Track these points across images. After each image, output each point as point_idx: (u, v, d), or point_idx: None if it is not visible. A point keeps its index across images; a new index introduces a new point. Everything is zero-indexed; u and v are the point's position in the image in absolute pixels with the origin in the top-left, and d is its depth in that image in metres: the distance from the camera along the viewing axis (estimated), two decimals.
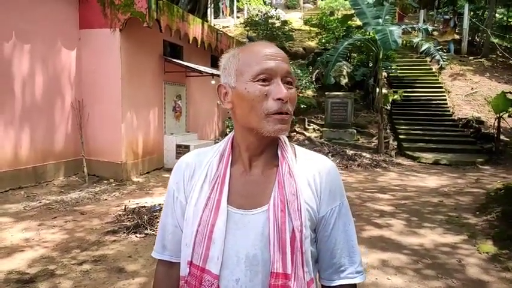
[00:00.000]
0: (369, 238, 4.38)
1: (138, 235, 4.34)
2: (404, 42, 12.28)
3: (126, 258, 3.76)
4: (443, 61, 10.35)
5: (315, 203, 0.97)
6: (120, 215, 5.03)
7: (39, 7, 6.31)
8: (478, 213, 5.22)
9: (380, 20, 9.85)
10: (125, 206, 5.30)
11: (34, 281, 3.27)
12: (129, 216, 4.86)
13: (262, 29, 18.11)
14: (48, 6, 6.48)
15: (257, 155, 0.98)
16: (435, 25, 22.26)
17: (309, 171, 0.98)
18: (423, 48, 10.01)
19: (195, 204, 0.96)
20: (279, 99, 0.89)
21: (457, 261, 3.77)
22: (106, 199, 5.98)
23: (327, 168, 1.01)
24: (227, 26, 22.78)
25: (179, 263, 1.02)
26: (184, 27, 7.77)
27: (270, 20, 18.68)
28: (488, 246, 4.04)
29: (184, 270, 0.96)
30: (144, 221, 4.59)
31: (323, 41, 16.51)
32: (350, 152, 9.66)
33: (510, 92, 14.92)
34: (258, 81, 0.91)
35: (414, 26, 11.04)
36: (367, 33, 9.82)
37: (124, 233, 4.42)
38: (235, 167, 1.00)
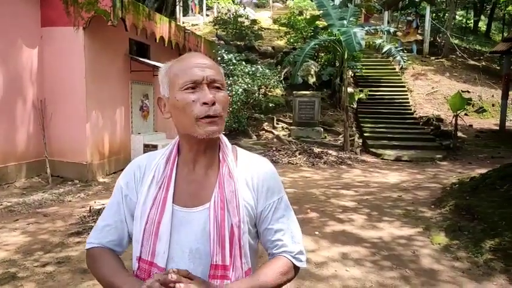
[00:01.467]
0: (332, 233, 4.56)
1: None
2: (368, 43, 12.66)
3: None
4: (404, 62, 10.78)
5: (253, 200, 1.07)
6: (85, 216, 4.98)
7: None
8: (433, 206, 5.52)
9: (345, 22, 10.14)
10: (90, 207, 5.24)
11: None
12: (94, 217, 4.82)
13: (232, 28, 18.15)
14: (7, 4, 6.28)
15: (199, 157, 1.07)
16: (399, 26, 23.06)
17: (247, 172, 1.09)
18: (385, 49, 10.39)
19: (143, 204, 1.04)
20: (205, 103, 0.98)
21: (411, 252, 4.00)
22: (70, 200, 5.89)
23: (264, 169, 1.12)
24: (196, 24, 22.59)
25: (113, 250, 1.12)
26: (150, 26, 7.71)
27: (239, 19, 18.75)
28: (441, 238, 4.30)
29: (134, 265, 1.04)
30: None
31: (291, 40, 16.74)
32: (317, 150, 9.91)
33: (468, 91, 15.76)
34: (185, 89, 1.00)
35: (377, 27, 11.42)
36: (334, 34, 10.08)
37: (89, 234, 4.38)
38: (180, 168, 1.08)
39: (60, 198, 5.94)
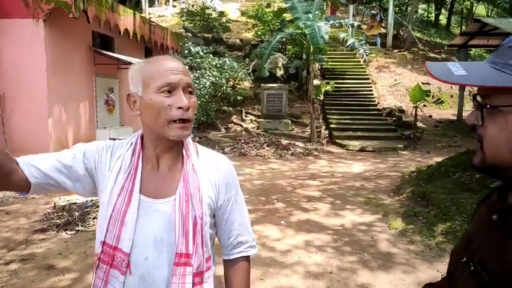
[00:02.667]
0: (297, 222, 4.73)
1: (68, 232, 4.30)
2: (333, 36, 12.91)
3: (56, 255, 3.74)
4: (367, 55, 11.11)
5: (214, 194, 1.17)
6: (49, 213, 4.91)
7: None
8: (392, 194, 5.82)
9: (310, 15, 10.31)
10: (55, 203, 5.17)
11: None
12: (59, 214, 4.77)
13: (199, 20, 17.97)
14: None
15: (163, 154, 1.15)
16: (364, 19, 23.60)
17: (209, 168, 1.18)
18: (349, 42, 10.66)
19: (110, 192, 1.10)
20: (180, 107, 1.06)
21: (370, 237, 4.23)
22: (34, 197, 5.75)
23: (224, 166, 1.22)
24: (163, 16, 22.18)
25: (25, 173, 1.06)
26: (114, 18, 7.58)
27: (207, 11, 18.58)
28: (398, 223, 4.57)
29: (97, 249, 1.11)
30: (75, 217, 4.55)
31: (259, 33, 16.77)
32: (284, 142, 10.09)
33: (428, 83, 16.42)
34: (162, 92, 1.05)
35: (341, 21, 11.67)
36: (299, 28, 10.24)
37: (54, 230, 4.35)
38: (145, 162, 1.15)
39: (10, 189, 5.79)
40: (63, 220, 4.55)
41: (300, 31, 10.04)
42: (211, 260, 1.16)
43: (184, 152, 1.16)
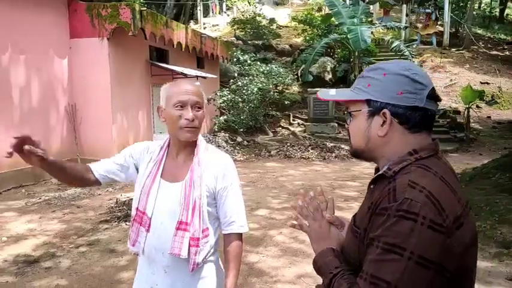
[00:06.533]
0: None
1: (127, 223, 4.96)
2: (378, 39, 12.84)
3: (117, 241, 4.38)
4: (412, 57, 10.96)
5: (213, 182, 1.59)
6: (112, 207, 5.64)
7: (32, 20, 6.87)
8: None
9: (355, 20, 10.45)
10: (117, 199, 5.91)
11: (38, 261, 3.89)
12: (120, 208, 5.48)
13: (249, 28, 18.64)
14: (40, 19, 7.05)
15: (180, 151, 1.61)
16: (420, 18, 22.87)
17: (213, 162, 1.61)
18: (393, 45, 10.62)
19: (143, 175, 1.60)
20: (186, 119, 1.52)
21: None
22: (100, 194, 6.59)
23: (223, 161, 1.65)
24: (217, 25, 23.20)
25: (94, 175, 1.60)
26: (168, 33, 8.35)
27: (257, 18, 19.21)
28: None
29: (133, 212, 1.60)
30: None
31: (307, 38, 17.01)
32: (330, 145, 10.29)
33: (487, 83, 15.64)
34: (176, 107, 1.53)
35: (387, 24, 11.62)
36: (343, 32, 10.42)
37: (115, 221, 5.04)
38: (168, 155, 1.63)
39: (91, 192, 6.65)
40: (123, 213, 5.24)
41: (344, 36, 10.21)
42: (208, 231, 1.58)
43: (195, 150, 1.62)
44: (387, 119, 0.98)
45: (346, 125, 1.10)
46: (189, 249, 1.50)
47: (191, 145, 1.61)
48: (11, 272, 3.65)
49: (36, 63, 6.99)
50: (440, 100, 1.08)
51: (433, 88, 1.01)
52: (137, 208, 1.57)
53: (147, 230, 1.53)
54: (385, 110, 0.98)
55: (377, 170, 1.07)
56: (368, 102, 1.00)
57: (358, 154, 1.08)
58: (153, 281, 1.57)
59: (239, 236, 1.64)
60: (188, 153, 1.60)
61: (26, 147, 1.37)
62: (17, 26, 6.62)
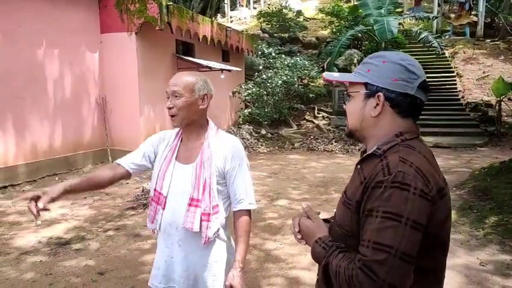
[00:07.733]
0: None
1: None
2: (406, 30, 12.54)
3: (142, 227, 4.60)
4: (441, 49, 10.66)
5: (222, 163, 1.71)
6: (138, 195, 5.89)
7: (64, 16, 7.20)
8: (454, 189, 5.75)
9: (382, 10, 10.27)
10: (143, 187, 6.16)
11: (69, 243, 4.16)
12: (146, 196, 5.70)
13: (275, 21, 18.59)
14: (73, 15, 7.37)
15: (190, 136, 1.75)
16: (454, 8, 22.07)
17: (222, 144, 1.74)
18: (421, 36, 10.36)
19: (159, 159, 1.75)
20: (167, 108, 1.68)
21: None
22: (128, 183, 6.85)
23: (232, 143, 1.76)
24: (244, 18, 23.29)
25: (124, 168, 1.77)
26: (194, 27, 8.52)
27: (284, 11, 19.13)
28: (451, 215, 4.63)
29: (151, 192, 1.74)
30: None
31: (334, 30, 16.80)
32: None
33: None
34: (167, 97, 1.69)
35: (416, 15, 11.34)
36: (370, 23, 10.27)
37: (141, 208, 5.28)
38: (183, 141, 1.77)
39: (119, 181, 6.94)
40: (148, 201, 5.47)
41: (370, 27, 10.06)
42: (218, 207, 1.70)
43: (205, 135, 1.75)
44: (380, 101, 1.09)
45: (344, 106, 1.21)
46: (200, 224, 1.63)
47: (199, 130, 1.75)
48: (44, 252, 3.93)
49: (69, 58, 7.33)
50: (430, 91, 1.17)
51: (425, 80, 1.11)
52: (155, 189, 1.72)
53: (163, 208, 1.68)
54: (379, 93, 1.09)
55: (363, 152, 1.16)
56: (366, 85, 1.11)
57: (352, 133, 1.20)
58: (169, 254, 1.72)
59: (248, 212, 1.75)
60: (198, 137, 1.74)
61: (34, 209, 1.60)
62: (52, 23, 6.96)
